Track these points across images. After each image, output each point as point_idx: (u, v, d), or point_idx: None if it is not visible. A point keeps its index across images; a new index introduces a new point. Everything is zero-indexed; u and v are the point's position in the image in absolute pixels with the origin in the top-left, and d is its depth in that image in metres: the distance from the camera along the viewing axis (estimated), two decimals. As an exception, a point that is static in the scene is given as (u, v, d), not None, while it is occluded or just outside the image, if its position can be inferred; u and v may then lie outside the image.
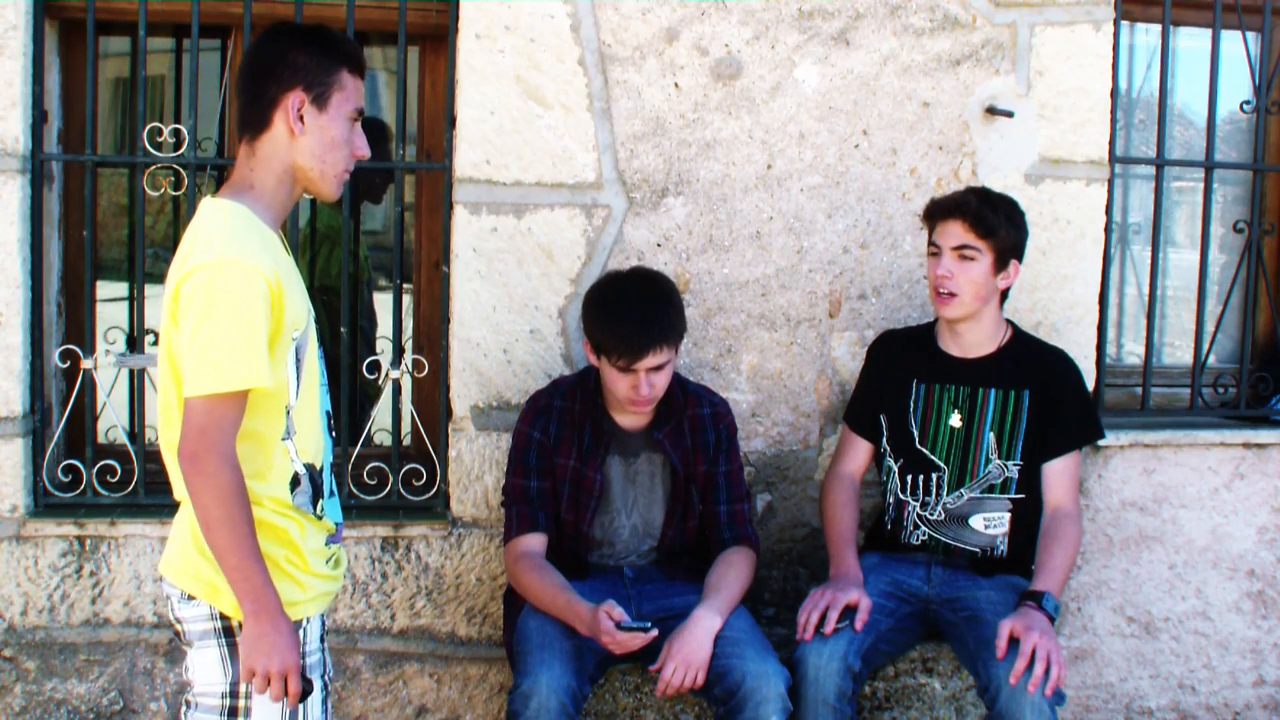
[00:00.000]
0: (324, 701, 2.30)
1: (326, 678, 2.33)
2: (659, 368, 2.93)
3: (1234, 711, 3.88)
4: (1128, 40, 3.94)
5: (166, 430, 2.21)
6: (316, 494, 2.27)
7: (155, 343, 3.35)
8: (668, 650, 2.84)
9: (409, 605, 3.41)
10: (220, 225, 2.15)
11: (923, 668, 3.25)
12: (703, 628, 2.87)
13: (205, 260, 2.09)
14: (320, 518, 2.28)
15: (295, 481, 2.22)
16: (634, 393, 2.93)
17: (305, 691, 2.18)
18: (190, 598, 2.20)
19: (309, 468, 2.25)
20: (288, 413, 2.19)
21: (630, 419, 3.09)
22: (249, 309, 2.07)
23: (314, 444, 2.27)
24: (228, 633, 2.18)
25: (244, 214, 2.18)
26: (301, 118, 2.19)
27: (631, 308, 2.94)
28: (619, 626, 2.76)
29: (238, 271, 2.07)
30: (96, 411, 3.34)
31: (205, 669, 2.20)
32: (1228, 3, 3.76)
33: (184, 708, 2.25)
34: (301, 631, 2.22)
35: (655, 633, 2.79)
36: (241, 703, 2.19)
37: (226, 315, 2.06)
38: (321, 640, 2.31)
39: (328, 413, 2.37)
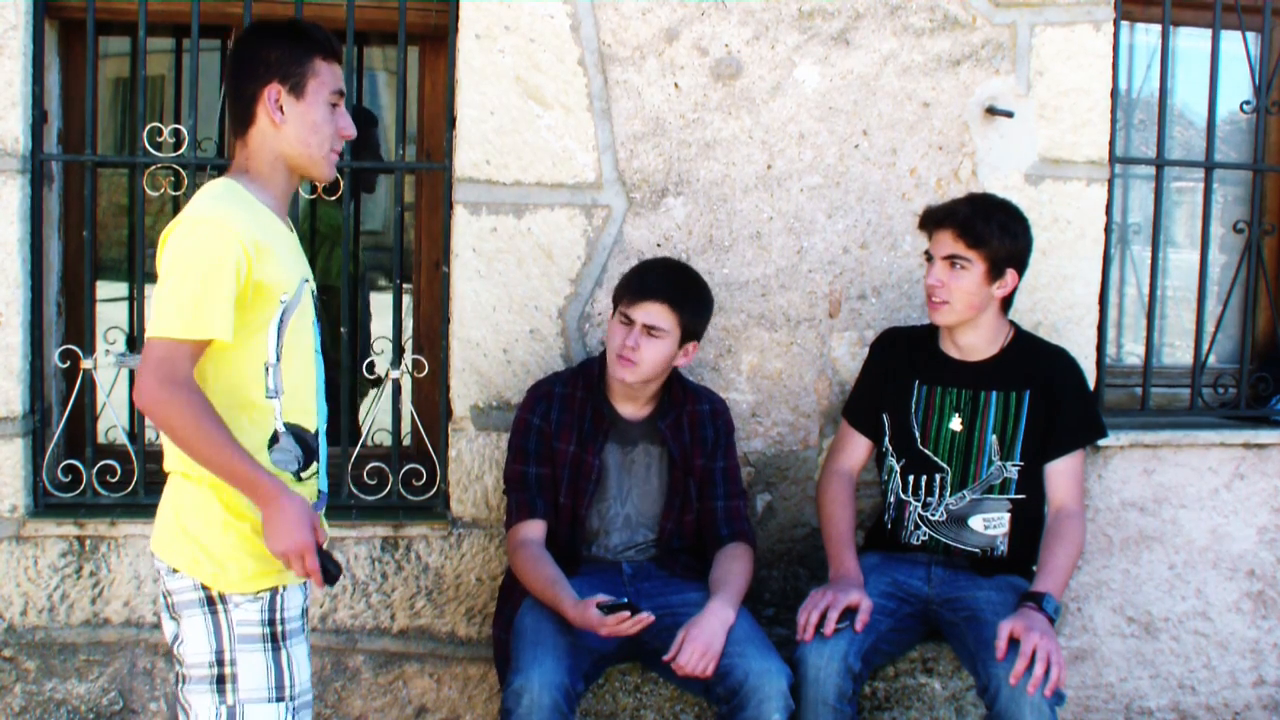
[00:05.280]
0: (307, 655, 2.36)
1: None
2: (652, 329, 2.98)
3: (1234, 711, 3.88)
4: (1128, 40, 3.93)
5: None
6: (309, 456, 2.30)
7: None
8: (685, 634, 2.84)
9: (409, 605, 3.41)
10: (205, 193, 2.27)
11: (923, 668, 3.25)
12: (719, 618, 2.88)
13: (184, 219, 2.21)
14: (301, 480, 2.31)
15: (274, 439, 2.26)
16: (622, 346, 2.99)
17: (330, 572, 2.23)
18: (175, 570, 2.27)
19: (295, 427, 2.29)
20: (267, 370, 2.25)
21: (631, 408, 3.11)
22: (217, 264, 2.16)
23: (303, 405, 2.33)
24: (209, 602, 2.26)
25: (235, 187, 2.30)
26: (281, 108, 2.31)
27: (654, 264, 3.16)
28: (601, 608, 2.76)
29: (210, 228, 2.18)
30: (96, 411, 3.34)
31: (193, 639, 2.27)
32: (1228, 3, 3.76)
33: (179, 682, 2.30)
34: (278, 599, 2.29)
35: (647, 616, 2.78)
36: (228, 670, 2.26)
37: (193, 267, 2.16)
38: (303, 614, 2.37)
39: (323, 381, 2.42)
